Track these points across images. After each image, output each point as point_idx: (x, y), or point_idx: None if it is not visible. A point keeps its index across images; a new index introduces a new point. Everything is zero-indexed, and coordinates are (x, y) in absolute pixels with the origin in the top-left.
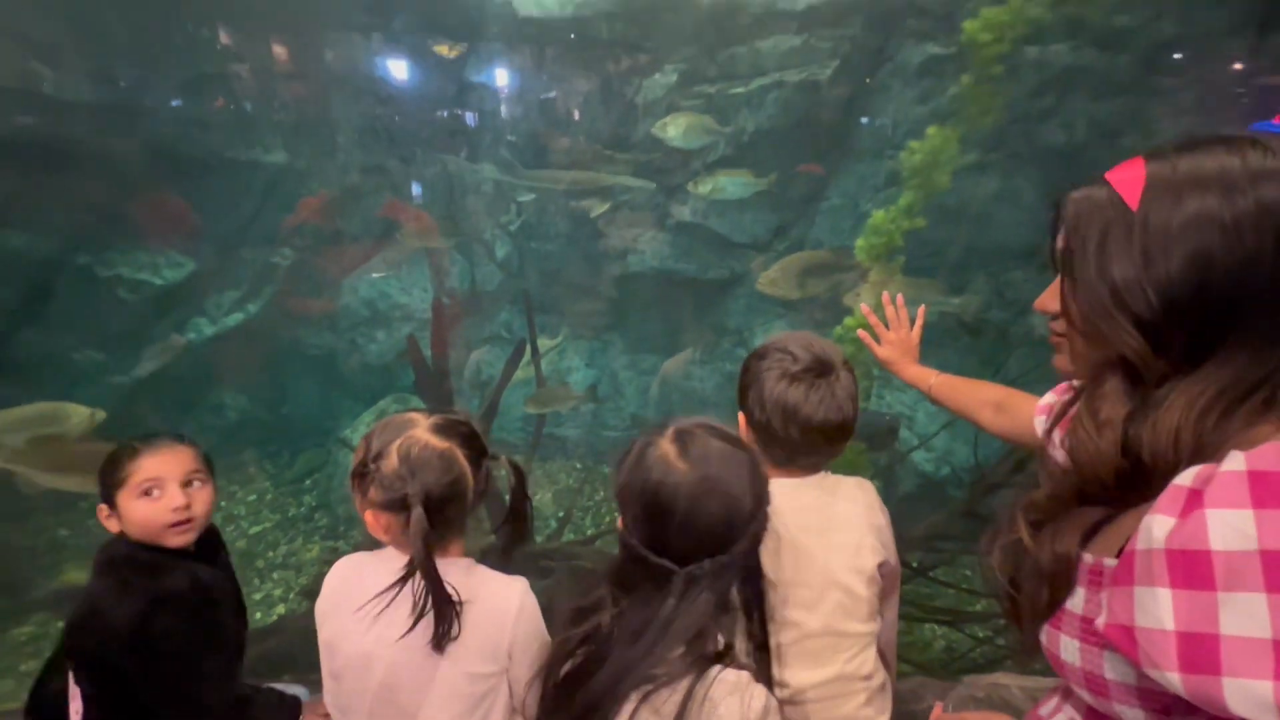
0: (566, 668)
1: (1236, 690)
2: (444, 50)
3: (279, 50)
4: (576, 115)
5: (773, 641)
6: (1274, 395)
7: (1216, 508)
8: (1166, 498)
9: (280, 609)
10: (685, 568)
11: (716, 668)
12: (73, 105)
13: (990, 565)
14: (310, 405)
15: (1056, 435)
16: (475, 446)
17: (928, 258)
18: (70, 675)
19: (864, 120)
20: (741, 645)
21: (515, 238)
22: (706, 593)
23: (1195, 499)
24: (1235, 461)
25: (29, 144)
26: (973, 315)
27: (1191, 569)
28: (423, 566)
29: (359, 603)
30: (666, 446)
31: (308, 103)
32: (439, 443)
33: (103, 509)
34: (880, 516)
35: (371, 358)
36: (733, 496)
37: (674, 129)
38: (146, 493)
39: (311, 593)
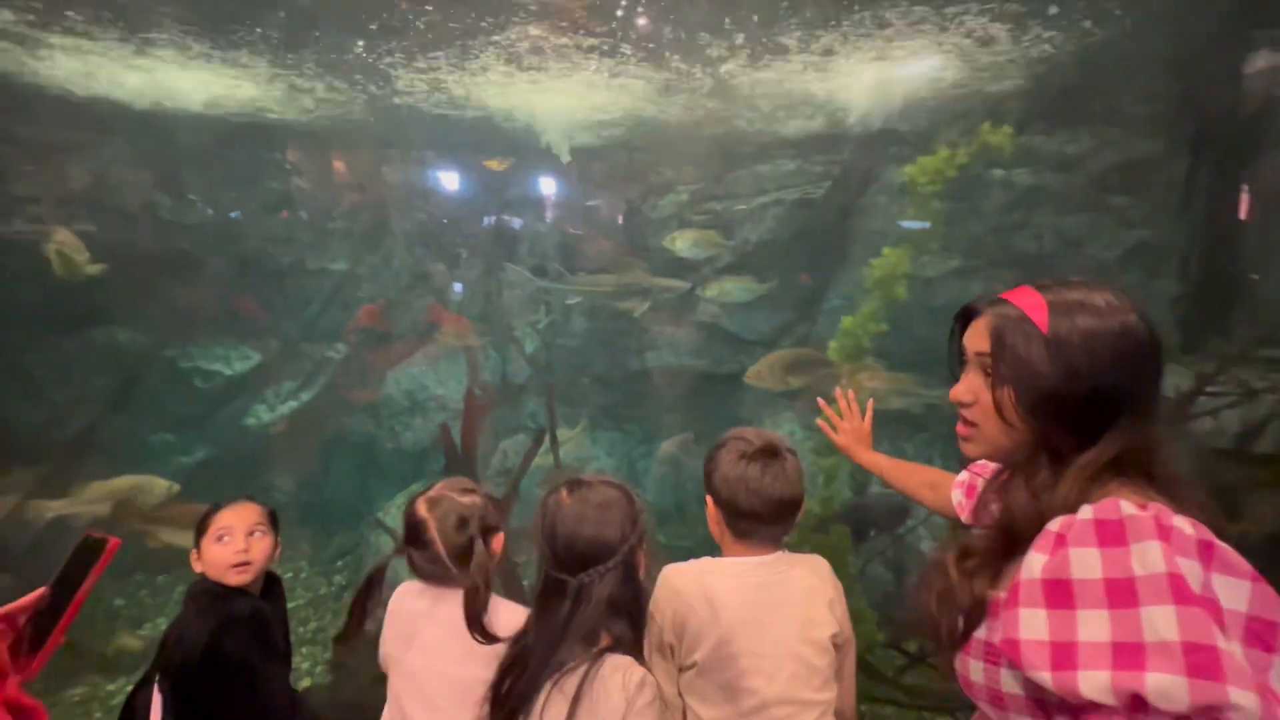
0: (507, 682)
1: (1087, 680)
2: (494, 164)
3: (345, 174)
4: (601, 228)
5: (735, 709)
6: (1121, 463)
7: (1074, 547)
8: (1042, 539)
9: (307, 681)
10: (575, 577)
11: (607, 655)
12: (182, 226)
13: (916, 604)
14: (348, 489)
15: (978, 500)
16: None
17: (921, 354)
18: (155, 686)
19: (856, 231)
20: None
21: (543, 335)
22: (594, 596)
23: (1061, 541)
24: (1085, 512)
25: (147, 257)
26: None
27: (1059, 593)
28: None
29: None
30: (562, 491)
31: (368, 217)
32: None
33: (194, 554)
34: (833, 591)
35: (407, 444)
36: (603, 524)
37: (682, 242)
38: (219, 539)
39: (338, 665)
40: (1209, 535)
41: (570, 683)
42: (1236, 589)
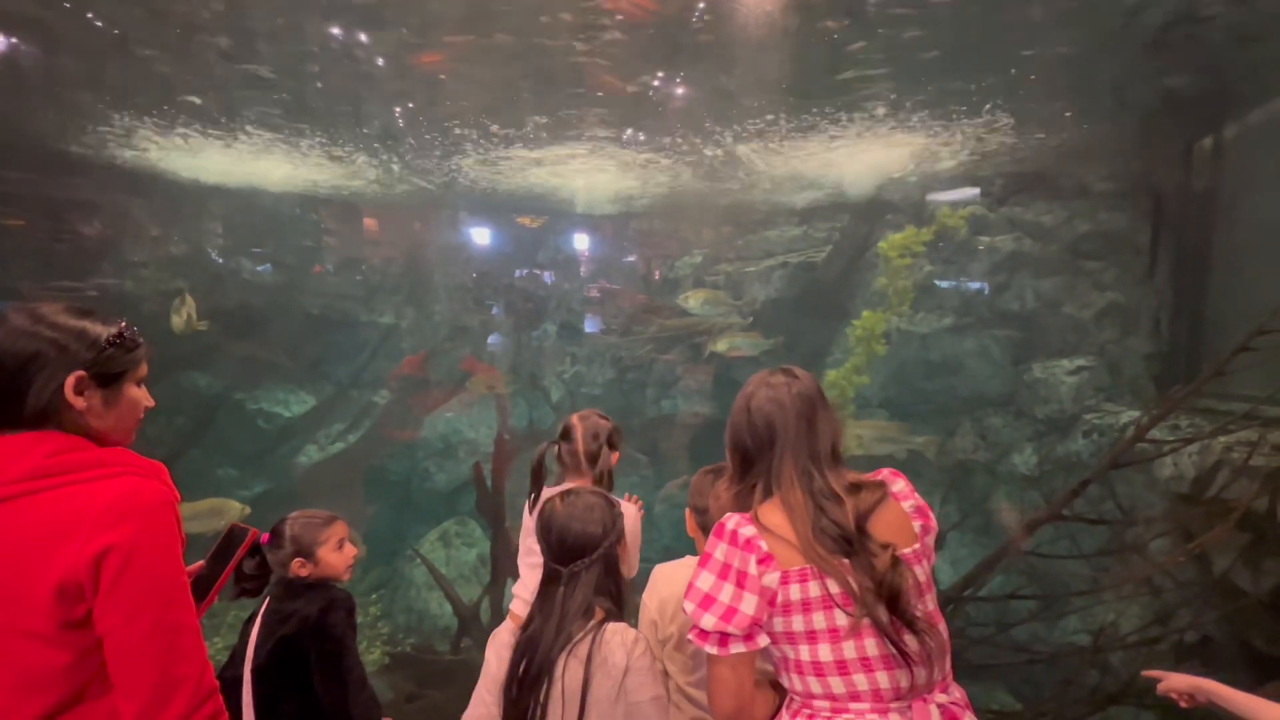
0: (523, 662)
1: (689, 608)
2: (527, 221)
3: (395, 237)
4: (622, 284)
5: (700, 676)
6: (767, 487)
7: (713, 536)
8: (713, 531)
9: None
10: (567, 567)
11: (607, 624)
12: (257, 284)
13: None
14: (385, 524)
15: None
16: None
17: (919, 405)
18: (247, 666)
19: (855, 290)
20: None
21: (568, 384)
22: (583, 581)
23: (719, 529)
24: (728, 520)
25: (229, 312)
26: (934, 453)
27: (704, 561)
28: None
29: None
30: (556, 500)
31: (414, 275)
32: None
33: (297, 560)
34: None
35: (440, 484)
36: (588, 522)
37: (694, 300)
38: (339, 546)
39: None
40: (741, 527)
41: (582, 649)
42: (725, 551)
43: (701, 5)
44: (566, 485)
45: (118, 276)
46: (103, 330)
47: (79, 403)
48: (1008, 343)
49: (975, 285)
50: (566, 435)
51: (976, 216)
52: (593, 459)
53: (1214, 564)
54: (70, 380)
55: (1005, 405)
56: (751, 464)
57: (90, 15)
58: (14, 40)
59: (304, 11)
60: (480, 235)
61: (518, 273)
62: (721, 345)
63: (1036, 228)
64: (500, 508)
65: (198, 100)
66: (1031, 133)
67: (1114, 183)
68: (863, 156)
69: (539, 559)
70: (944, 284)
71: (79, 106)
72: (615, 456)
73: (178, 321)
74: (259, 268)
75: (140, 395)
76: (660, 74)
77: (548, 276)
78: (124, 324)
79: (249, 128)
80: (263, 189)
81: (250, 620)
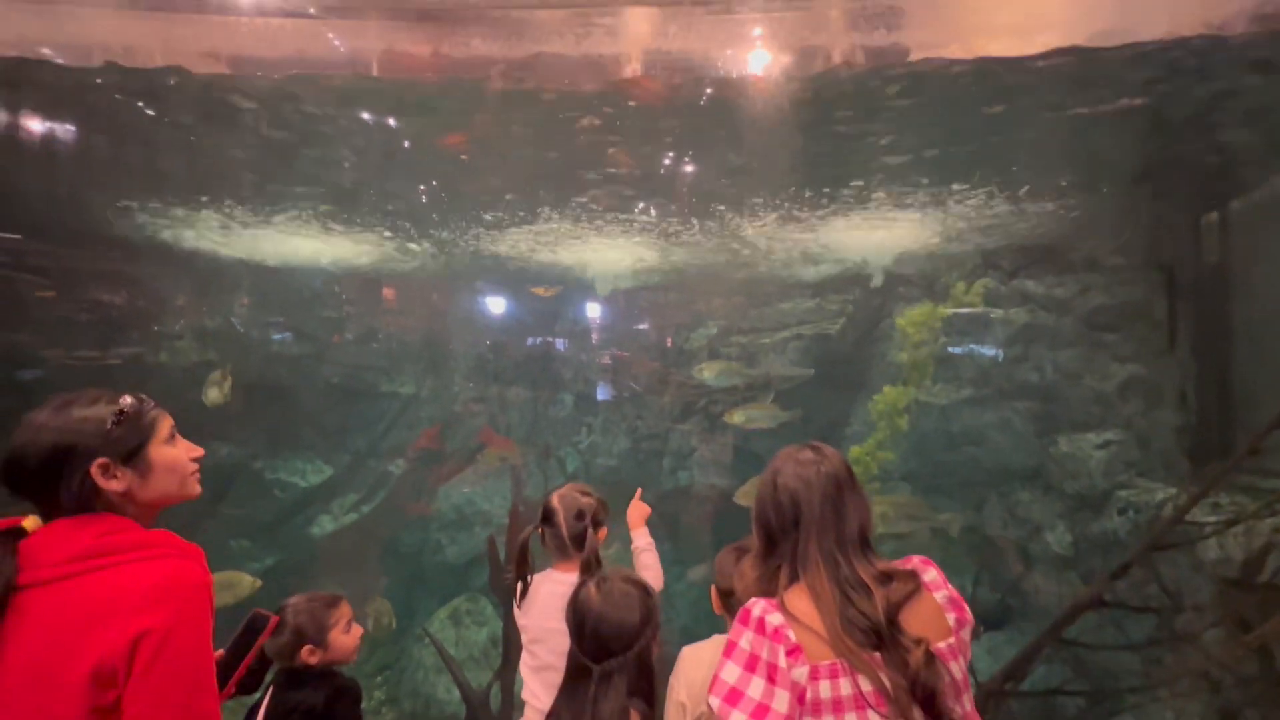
0: None
1: (715, 703)
2: (541, 291)
3: (417, 310)
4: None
5: None
6: (793, 570)
7: (738, 623)
8: (738, 616)
9: None
10: (600, 664)
11: None
12: (282, 355)
13: None
14: (394, 600)
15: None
16: None
17: (942, 478)
18: None
19: (871, 361)
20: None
21: (584, 454)
22: (616, 684)
23: (744, 615)
24: (754, 606)
25: (252, 384)
26: (959, 530)
27: (729, 650)
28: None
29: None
30: (590, 587)
31: (433, 344)
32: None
33: (306, 648)
34: None
35: (452, 557)
36: (626, 611)
37: (709, 372)
38: (347, 629)
39: None
40: (769, 614)
41: None
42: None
43: (709, 90)
44: (554, 572)
45: (148, 346)
46: (106, 413)
47: (114, 485)
48: (1029, 415)
49: (991, 355)
50: (548, 518)
51: (988, 288)
52: (579, 541)
53: (1276, 657)
54: (94, 469)
55: (1032, 479)
56: (776, 544)
57: (139, 102)
58: (58, 120)
59: (338, 102)
60: (496, 305)
61: (531, 341)
62: (738, 418)
63: (1049, 300)
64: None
65: (232, 184)
66: (1039, 207)
67: (1124, 256)
68: (872, 232)
69: (542, 662)
70: (958, 350)
71: (116, 184)
72: (603, 533)
73: (215, 395)
74: (280, 335)
75: (177, 451)
76: (671, 154)
77: (561, 345)
78: (125, 400)
79: (280, 210)
80: (292, 264)
81: (253, 711)
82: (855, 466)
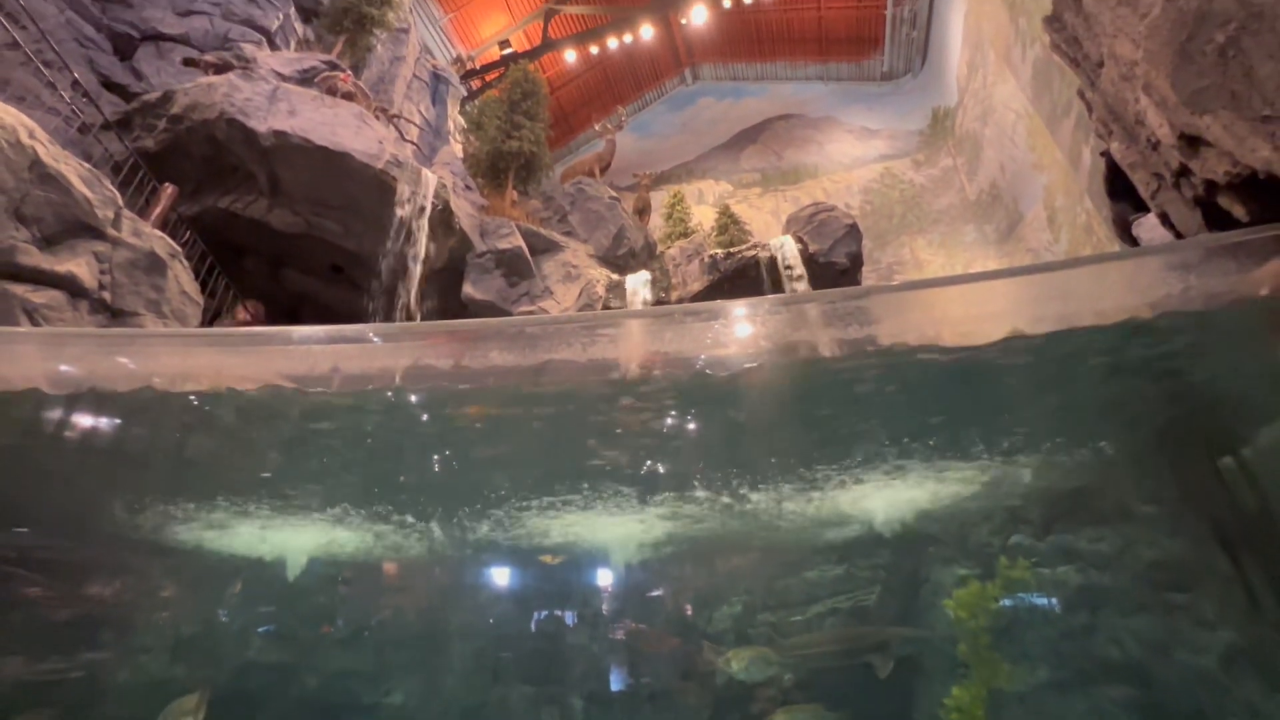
0: None
1: None
2: (548, 559)
3: (417, 584)
4: (662, 634)
5: None
6: None
7: None
8: None
9: None
10: None
11: None
12: (258, 664)
13: None
14: None
15: None
16: None
17: None
18: None
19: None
20: None
21: None
22: None
23: None
24: None
25: (219, 698)
26: None
27: None
28: None
29: None
30: None
31: (430, 634)
32: None
33: None
34: None
35: None
36: None
37: (737, 663)
38: None
39: None
40: None
41: None
42: None
43: (708, 376)
44: None
45: (111, 656)
46: None
47: None
48: (1128, 704)
49: (1057, 627)
50: None
51: (1022, 545)
52: None
53: None
54: None
55: None
56: None
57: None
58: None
59: (353, 409)
60: (501, 577)
61: (537, 615)
62: None
63: (1097, 556)
64: None
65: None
66: (1054, 459)
67: (1155, 505)
68: (890, 492)
69: None
70: (1017, 623)
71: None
72: None
73: None
74: (264, 628)
75: None
76: (673, 416)
77: (570, 619)
78: None
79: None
80: (289, 554)
81: None
82: None
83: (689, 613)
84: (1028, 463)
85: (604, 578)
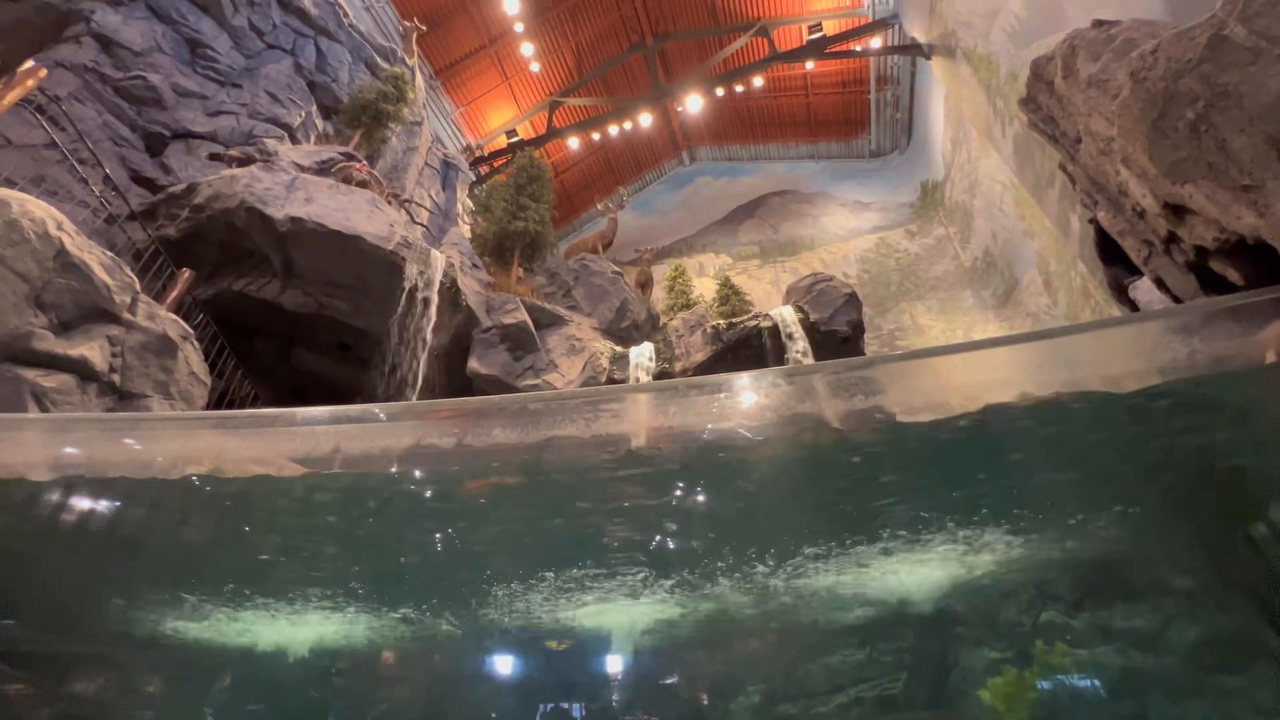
0: None
1: None
2: (553, 644)
3: (417, 674)
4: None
5: None
6: None
7: None
8: None
9: None
10: None
11: None
12: None
13: None
14: None
15: None
16: None
17: None
18: None
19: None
20: None
21: None
22: None
23: None
24: None
25: None
26: None
27: None
28: None
29: None
30: None
31: None
32: None
33: None
34: None
35: None
36: None
37: None
38: None
39: None
40: None
41: None
42: None
43: (708, 427)
44: None
45: None
46: None
47: None
48: None
49: (1099, 714)
50: None
51: (1054, 624)
52: None
53: None
54: None
55: None
56: None
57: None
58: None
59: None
60: (504, 664)
61: (543, 709)
62: None
63: (1135, 635)
64: None
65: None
66: (1079, 531)
67: (1191, 578)
68: (907, 571)
69: None
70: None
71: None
72: None
73: None
74: None
75: None
76: (680, 489)
77: (577, 711)
78: None
79: (284, 602)
80: (284, 647)
81: None
82: None
83: (705, 702)
84: (1053, 535)
85: (613, 664)
